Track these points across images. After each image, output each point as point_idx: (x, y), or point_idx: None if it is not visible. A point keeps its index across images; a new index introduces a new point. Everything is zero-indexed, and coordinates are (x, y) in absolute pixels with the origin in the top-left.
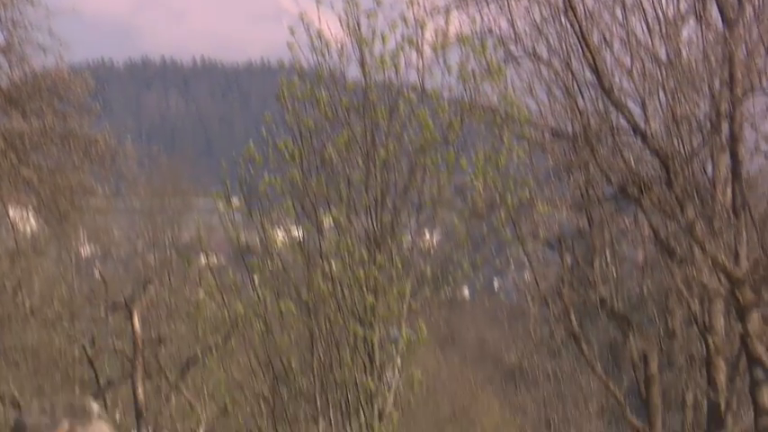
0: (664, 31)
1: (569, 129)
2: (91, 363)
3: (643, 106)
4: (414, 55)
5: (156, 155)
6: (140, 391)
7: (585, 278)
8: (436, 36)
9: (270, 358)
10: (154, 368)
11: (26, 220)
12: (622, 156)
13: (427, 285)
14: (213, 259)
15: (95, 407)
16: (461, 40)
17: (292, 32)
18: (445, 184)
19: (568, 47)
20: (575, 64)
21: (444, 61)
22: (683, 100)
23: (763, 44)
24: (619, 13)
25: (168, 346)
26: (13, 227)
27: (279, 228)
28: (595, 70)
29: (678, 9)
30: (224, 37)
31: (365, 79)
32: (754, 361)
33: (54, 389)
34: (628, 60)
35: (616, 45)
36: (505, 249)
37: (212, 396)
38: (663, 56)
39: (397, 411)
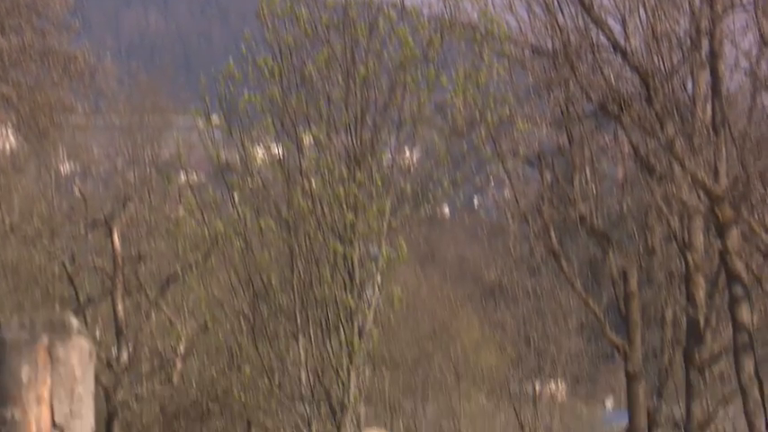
0: None
1: (549, 46)
2: (71, 280)
3: (623, 23)
4: None
5: (136, 72)
6: (120, 308)
7: (565, 195)
8: None
9: (250, 276)
10: (134, 285)
11: (5, 138)
12: (602, 73)
13: (407, 203)
14: (193, 177)
15: (75, 322)
16: None
17: None
18: (425, 101)
19: None
20: None
21: None
22: (663, 17)
23: None
24: None
25: (148, 264)
26: None
27: (258, 145)
28: None
29: None
30: None
31: None
32: (732, 277)
33: (34, 305)
34: None
35: None
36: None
37: (192, 313)
38: None
39: (376, 328)
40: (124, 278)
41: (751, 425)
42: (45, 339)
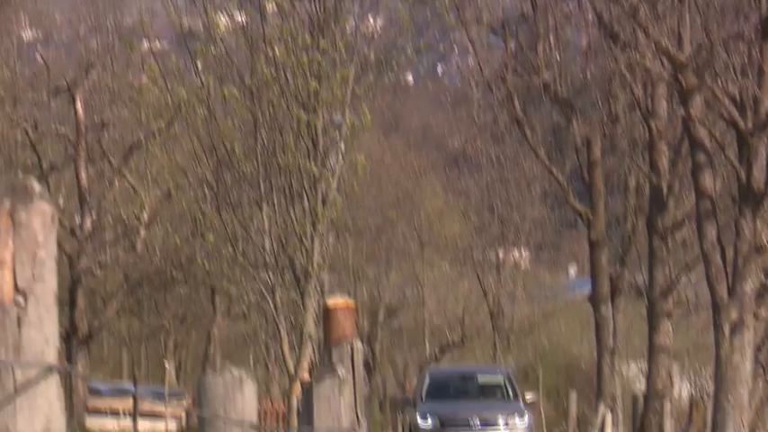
0: None
1: None
2: (33, 147)
3: None
4: None
5: None
6: (83, 175)
7: (529, 63)
8: None
9: (213, 144)
10: (97, 153)
11: None
12: None
13: (371, 70)
14: (156, 44)
15: (37, 187)
16: None
17: None
18: None
19: None
20: None
21: None
22: None
23: None
24: None
25: (111, 131)
26: None
27: (221, 12)
28: None
29: None
30: None
31: None
32: (695, 145)
33: None
34: None
35: None
36: (449, 34)
37: (156, 181)
38: None
39: (340, 196)
40: (87, 146)
41: (713, 291)
42: (6, 203)
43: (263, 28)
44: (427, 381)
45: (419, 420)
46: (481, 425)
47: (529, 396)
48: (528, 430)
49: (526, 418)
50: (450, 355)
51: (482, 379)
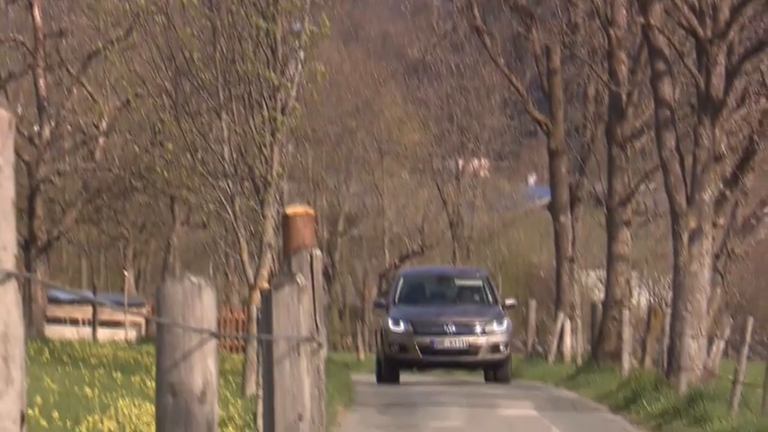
0: None
1: None
2: None
3: None
4: None
5: None
6: (42, 83)
7: None
8: None
9: (172, 52)
10: (55, 61)
11: None
12: None
13: None
14: None
15: None
16: None
17: None
18: None
19: None
20: None
21: None
22: None
23: None
24: None
25: (69, 39)
26: None
27: None
28: None
29: None
30: None
31: None
32: (655, 53)
33: None
34: None
35: None
36: None
37: (114, 89)
38: None
39: (299, 105)
40: (45, 54)
41: (672, 199)
42: None
43: None
44: (401, 283)
45: (390, 325)
46: (457, 331)
47: (509, 300)
48: (506, 336)
49: (505, 323)
50: (409, 264)
51: (459, 282)
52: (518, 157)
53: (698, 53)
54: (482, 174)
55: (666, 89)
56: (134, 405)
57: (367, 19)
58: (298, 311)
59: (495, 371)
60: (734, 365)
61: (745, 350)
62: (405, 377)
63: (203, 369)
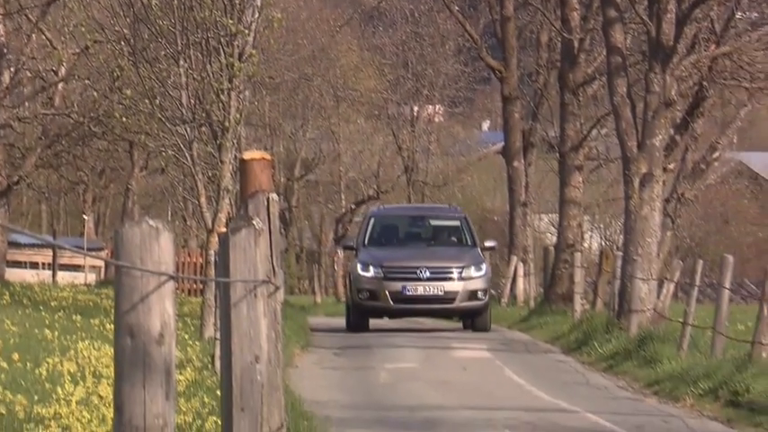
0: None
1: None
2: None
3: None
4: None
5: None
6: (1, 29)
7: None
8: None
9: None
10: (14, 7)
11: None
12: None
13: None
14: None
15: None
16: None
17: None
18: None
19: None
20: None
21: None
22: None
23: None
24: None
25: None
26: None
27: None
28: None
29: None
30: None
31: None
32: (607, 0)
33: None
34: None
35: None
36: None
37: (73, 36)
38: None
39: (256, 52)
40: (4, 0)
41: (623, 144)
42: None
43: None
44: (371, 224)
45: (359, 270)
46: (431, 276)
47: (488, 242)
48: (485, 282)
49: (484, 268)
50: (365, 209)
51: (435, 222)
52: (472, 103)
53: (649, 1)
54: (436, 119)
55: (618, 36)
56: (93, 347)
57: None
58: (254, 255)
59: (474, 319)
60: (683, 308)
61: (695, 293)
62: (376, 323)
63: (161, 311)
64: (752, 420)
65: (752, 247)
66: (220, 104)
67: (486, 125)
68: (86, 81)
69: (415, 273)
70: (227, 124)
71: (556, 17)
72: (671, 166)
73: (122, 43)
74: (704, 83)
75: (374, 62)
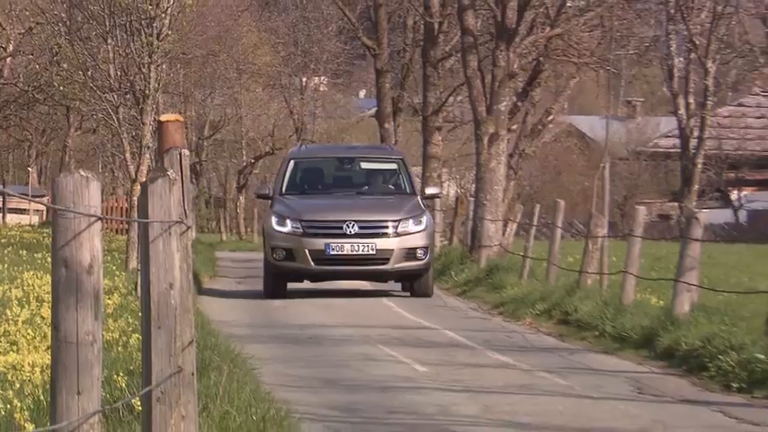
0: None
1: None
2: None
3: None
4: None
5: None
6: None
7: None
8: None
9: None
10: None
11: None
12: None
13: None
14: None
15: None
16: None
17: None
18: None
19: None
20: None
21: None
22: None
23: None
24: None
25: None
26: None
27: None
28: None
29: None
30: None
31: None
32: None
33: None
34: None
35: None
36: None
37: (19, 18)
38: None
39: (172, 32)
40: None
41: (474, 109)
42: None
43: None
44: (289, 167)
45: (274, 225)
46: (361, 231)
47: (430, 189)
48: (426, 238)
49: (425, 220)
50: (262, 162)
51: (367, 165)
52: (351, 75)
53: None
54: (321, 89)
55: (470, 20)
56: (37, 277)
57: None
58: (169, 200)
59: (413, 282)
60: (524, 243)
61: (533, 231)
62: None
63: (91, 247)
64: (579, 335)
65: (580, 194)
66: (142, 76)
67: (362, 93)
68: (30, 56)
69: (341, 228)
70: (147, 92)
71: (420, 3)
72: (514, 127)
73: (60, 25)
74: (541, 59)
75: (269, 41)
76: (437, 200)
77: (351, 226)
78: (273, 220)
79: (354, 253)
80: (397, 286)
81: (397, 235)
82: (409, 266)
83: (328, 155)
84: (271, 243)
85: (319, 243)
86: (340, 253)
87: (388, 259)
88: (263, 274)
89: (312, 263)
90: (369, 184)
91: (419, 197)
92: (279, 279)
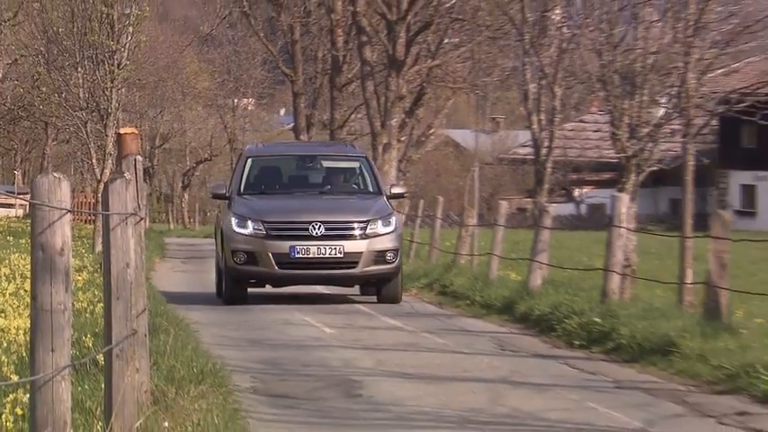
0: None
1: None
2: None
3: None
4: None
5: None
6: None
7: None
8: None
9: (45, 28)
10: None
11: None
12: None
13: None
14: None
15: None
16: None
17: None
18: None
19: None
20: None
21: None
22: None
23: None
24: None
25: None
26: None
27: None
28: None
29: None
30: None
31: None
32: (360, 29)
33: None
34: None
35: None
36: None
37: (7, 51)
38: None
39: (129, 62)
40: None
41: (371, 124)
42: None
43: None
44: (247, 165)
45: (234, 226)
46: (327, 233)
47: (396, 188)
48: (396, 240)
49: (393, 221)
50: (202, 167)
51: (329, 163)
52: (273, 96)
53: (388, 29)
54: (249, 108)
55: (368, 53)
56: (21, 258)
57: (174, 6)
58: (126, 196)
59: (380, 287)
60: (411, 231)
61: (419, 221)
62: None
63: (62, 233)
64: (454, 303)
65: (455, 192)
66: (105, 98)
67: (282, 111)
68: (16, 82)
69: (306, 229)
70: (109, 111)
71: (327, 40)
72: (403, 139)
73: (39, 57)
74: (424, 84)
75: (208, 70)
76: (403, 199)
77: (317, 227)
78: (233, 221)
79: (321, 256)
80: (365, 292)
81: (366, 237)
82: (378, 270)
83: (288, 153)
84: (230, 246)
85: (284, 245)
86: (305, 256)
87: (357, 262)
88: (220, 279)
89: (276, 266)
90: (331, 184)
91: (385, 197)
92: (239, 284)
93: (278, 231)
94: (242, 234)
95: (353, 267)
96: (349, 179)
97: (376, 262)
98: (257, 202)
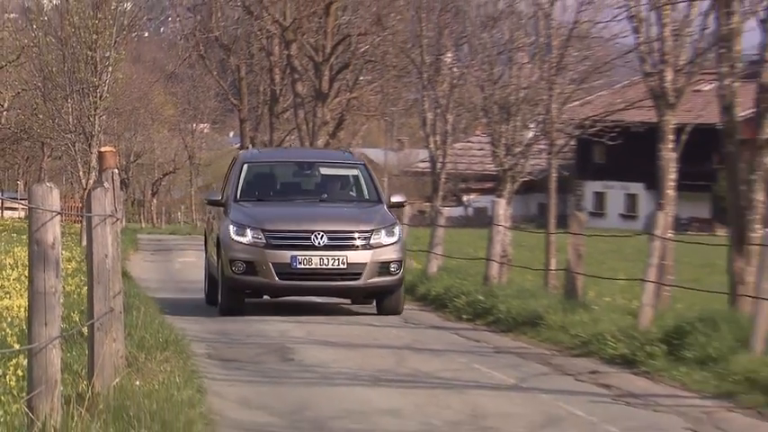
0: None
1: None
2: None
3: None
4: None
5: None
6: None
7: (205, 23)
8: None
9: (42, 67)
10: None
11: None
12: None
13: (125, 30)
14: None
15: None
16: None
17: None
18: None
19: None
20: None
21: None
22: None
23: None
24: None
25: None
26: None
27: None
28: None
29: None
30: None
31: None
32: (293, 69)
33: None
34: None
35: None
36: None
37: (12, 85)
38: None
39: (109, 95)
40: None
41: (302, 145)
42: None
43: (67, 8)
44: (243, 171)
45: (232, 234)
46: (330, 243)
47: (396, 197)
48: (400, 252)
49: (397, 232)
50: (168, 178)
51: (327, 170)
52: (224, 122)
53: (315, 69)
54: (205, 131)
55: (299, 87)
56: (23, 251)
57: (145, 49)
58: (105, 201)
59: (383, 299)
60: None
61: None
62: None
63: (53, 231)
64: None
65: None
66: (90, 123)
67: (231, 134)
68: (18, 110)
69: (309, 239)
70: (93, 133)
71: (268, 77)
72: None
73: (37, 90)
74: (344, 112)
75: (172, 101)
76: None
77: (320, 237)
78: (232, 229)
79: (323, 267)
80: (365, 305)
81: (370, 247)
82: (382, 282)
83: (285, 159)
84: (229, 255)
85: (285, 255)
86: (307, 266)
87: (360, 274)
88: (211, 285)
89: (276, 277)
90: (329, 192)
91: (385, 205)
92: (238, 294)
93: (279, 241)
94: (240, 243)
95: (357, 279)
96: (345, 187)
97: (380, 273)
98: (255, 209)
